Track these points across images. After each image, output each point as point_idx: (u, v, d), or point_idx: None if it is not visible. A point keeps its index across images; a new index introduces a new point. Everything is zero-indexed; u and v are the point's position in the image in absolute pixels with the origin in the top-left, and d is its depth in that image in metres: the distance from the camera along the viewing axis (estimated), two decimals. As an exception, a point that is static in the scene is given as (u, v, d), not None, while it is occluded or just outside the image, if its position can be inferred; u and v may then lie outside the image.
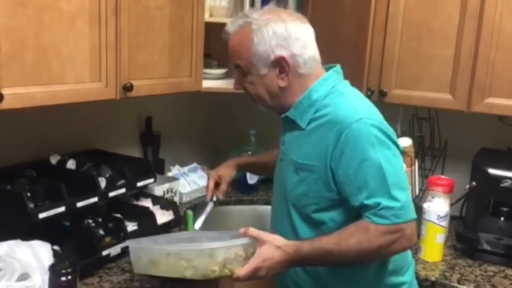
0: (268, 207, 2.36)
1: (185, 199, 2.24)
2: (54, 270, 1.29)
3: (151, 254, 1.27)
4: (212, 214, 2.26)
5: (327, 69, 1.41)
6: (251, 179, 2.43)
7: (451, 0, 1.86)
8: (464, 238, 1.86)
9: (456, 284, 1.65)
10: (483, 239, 1.82)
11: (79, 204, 1.60)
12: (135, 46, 1.68)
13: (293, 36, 1.32)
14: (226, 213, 2.34)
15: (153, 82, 1.79)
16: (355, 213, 1.27)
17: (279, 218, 1.44)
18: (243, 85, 1.41)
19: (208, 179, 1.67)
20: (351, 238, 1.22)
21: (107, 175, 1.79)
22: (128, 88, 1.66)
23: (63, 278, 1.28)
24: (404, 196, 1.23)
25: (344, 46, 2.05)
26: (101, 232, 1.66)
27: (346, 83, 1.41)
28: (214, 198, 1.66)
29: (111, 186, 1.75)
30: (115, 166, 1.85)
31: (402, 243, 1.24)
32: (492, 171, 1.81)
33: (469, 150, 2.03)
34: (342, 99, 1.33)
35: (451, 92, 1.89)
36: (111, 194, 1.73)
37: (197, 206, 2.24)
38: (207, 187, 1.67)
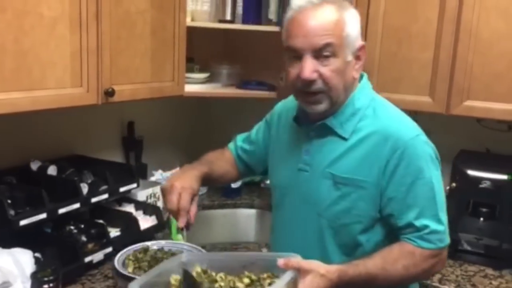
0: (251, 211, 2.41)
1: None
2: (36, 278, 1.27)
3: None
4: (197, 219, 2.26)
5: None
6: (235, 183, 2.43)
7: (430, 4, 1.89)
8: (444, 239, 1.88)
9: (437, 284, 1.67)
10: (463, 239, 1.85)
11: (61, 211, 1.58)
12: (116, 50, 1.68)
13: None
14: (210, 217, 2.34)
15: (135, 87, 1.79)
16: (391, 234, 1.24)
17: (300, 235, 1.33)
18: (319, 74, 1.20)
19: (176, 195, 1.25)
20: (397, 262, 1.18)
21: (89, 181, 1.77)
22: (109, 93, 1.65)
23: (45, 286, 1.27)
24: (446, 220, 1.23)
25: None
26: (84, 238, 1.65)
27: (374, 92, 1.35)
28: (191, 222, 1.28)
29: (93, 192, 1.73)
30: (97, 171, 1.83)
31: (440, 266, 1.24)
32: (471, 172, 1.84)
33: (448, 152, 2.05)
34: (389, 112, 1.28)
35: (431, 95, 1.92)
36: (93, 200, 1.71)
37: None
38: (183, 205, 1.24)
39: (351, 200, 1.24)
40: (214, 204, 2.38)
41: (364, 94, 1.28)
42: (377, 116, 1.25)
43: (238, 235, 2.29)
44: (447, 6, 1.85)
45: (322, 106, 1.24)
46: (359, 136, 1.24)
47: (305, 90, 1.22)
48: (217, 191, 2.45)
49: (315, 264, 1.12)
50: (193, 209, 1.28)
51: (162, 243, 1.80)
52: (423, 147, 1.22)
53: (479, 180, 1.82)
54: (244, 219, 2.39)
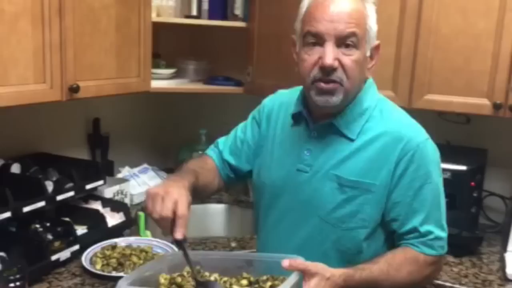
0: (219, 206, 2.42)
1: (136, 201, 2.22)
2: (1, 277, 1.25)
3: None
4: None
5: None
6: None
7: (391, 1, 1.93)
8: (408, 229, 1.94)
9: (401, 273, 1.72)
10: (425, 228, 1.91)
11: (26, 209, 1.56)
12: (80, 46, 1.66)
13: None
14: (178, 213, 2.34)
15: (100, 83, 1.77)
16: (389, 241, 1.23)
17: (297, 239, 1.27)
18: (340, 63, 1.14)
19: (167, 200, 1.05)
20: (402, 268, 1.16)
21: (54, 179, 1.75)
22: (74, 89, 1.63)
23: (12, 285, 1.25)
24: (446, 228, 1.24)
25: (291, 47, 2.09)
26: (50, 236, 1.63)
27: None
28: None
29: (58, 189, 1.71)
30: (62, 169, 1.81)
31: (437, 273, 1.26)
32: (432, 164, 1.90)
33: (411, 144, 2.12)
34: (398, 114, 1.25)
35: (393, 89, 1.97)
36: (59, 197, 1.69)
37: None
38: (169, 210, 1.05)
39: (357, 204, 1.19)
40: (183, 200, 2.38)
41: (371, 95, 1.25)
42: (385, 117, 1.23)
43: (207, 230, 2.29)
44: (408, 3, 1.90)
45: (336, 99, 1.17)
46: (366, 138, 1.21)
47: (323, 78, 1.15)
48: (185, 187, 2.45)
49: (321, 267, 1.09)
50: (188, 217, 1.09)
51: (131, 239, 1.81)
52: (433, 151, 1.21)
53: (440, 171, 1.88)
54: (213, 214, 2.40)
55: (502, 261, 1.80)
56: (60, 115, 2.07)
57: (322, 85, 1.16)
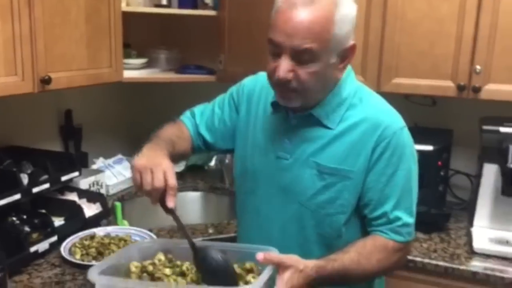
0: (195, 194, 2.44)
1: (112, 191, 2.23)
2: (-19, 270, 1.26)
3: None
4: (139, 205, 2.28)
5: None
6: (178, 167, 2.45)
7: (358, -13, 1.98)
8: (379, 208, 2.01)
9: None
10: (396, 207, 1.98)
11: (1, 202, 1.56)
12: (51, 38, 1.65)
13: (355, 22, 1.18)
14: (154, 202, 2.35)
15: (72, 74, 1.77)
16: (364, 226, 1.26)
17: (278, 223, 1.29)
18: (295, 75, 1.13)
19: (157, 171, 1.08)
20: (372, 256, 1.18)
21: (29, 171, 1.75)
22: (46, 81, 1.62)
23: (-8, 277, 1.26)
24: (415, 214, 1.25)
25: (264, 32, 2.12)
26: (27, 229, 1.63)
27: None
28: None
29: (34, 182, 1.71)
30: (36, 161, 1.80)
31: (404, 259, 1.28)
32: (401, 145, 1.96)
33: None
34: (377, 101, 1.26)
35: (363, 74, 2.02)
36: (35, 190, 1.69)
37: (124, 197, 2.23)
38: (161, 180, 1.07)
39: (336, 191, 1.21)
40: (159, 189, 2.39)
41: (349, 82, 1.25)
42: (365, 105, 1.23)
43: (184, 218, 2.29)
44: (375, -10, 1.95)
45: (295, 103, 1.20)
46: (345, 125, 1.22)
47: (279, 87, 1.18)
48: (160, 176, 2.47)
49: (295, 259, 1.09)
50: (171, 196, 1.11)
51: (109, 229, 1.82)
52: (408, 139, 1.23)
53: (408, 152, 1.95)
54: (189, 202, 2.42)
55: (468, 235, 1.89)
56: (31, 108, 2.05)
57: (279, 92, 1.20)
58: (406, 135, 1.24)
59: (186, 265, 1.16)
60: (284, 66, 1.12)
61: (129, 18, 2.08)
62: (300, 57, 1.11)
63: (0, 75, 1.49)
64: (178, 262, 1.17)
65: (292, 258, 1.09)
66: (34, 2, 1.55)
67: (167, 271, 1.14)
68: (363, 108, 1.23)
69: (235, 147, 1.41)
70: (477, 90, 1.85)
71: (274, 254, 1.08)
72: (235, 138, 1.40)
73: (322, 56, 1.12)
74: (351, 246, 1.19)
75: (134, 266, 1.14)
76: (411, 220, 1.23)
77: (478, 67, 1.84)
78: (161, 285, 1.10)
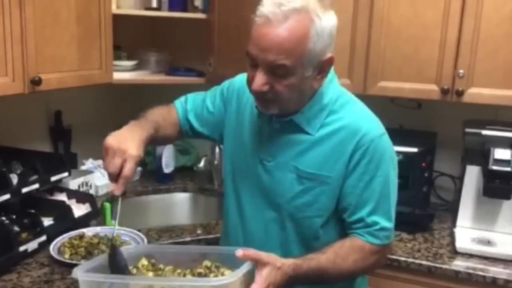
0: (184, 195, 2.47)
1: (101, 192, 2.24)
2: (-29, 268, 1.27)
3: None
4: (130, 205, 2.30)
5: None
6: (167, 168, 2.47)
7: (345, -8, 2.02)
8: (365, 209, 2.05)
9: (359, 250, 1.83)
10: (381, 208, 2.02)
11: (-9, 202, 1.57)
12: (42, 39, 1.66)
13: (335, 30, 1.18)
14: (144, 203, 2.37)
15: (62, 75, 1.78)
16: (343, 229, 1.28)
17: (260, 224, 1.33)
18: (271, 86, 1.16)
19: (117, 156, 1.15)
20: (348, 257, 1.21)
21: (18, 171, 1.76)
22: (36, 82, 1.64)
23: (-19, 275, 1.27)
24: (394, 219, 1.28)
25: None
26: (16, 228, 1.64)
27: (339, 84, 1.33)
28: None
29: (23, 182, 1.72)
30: (26, 162, 1.81)
31: (382, 261, 1.31)
32: (386, 147, 2.01)
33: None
34: (357, 107, 1.28)
35: (349, 77, 2.06)
36: (24, 190, 1.70)
37: (114, 198, 2.24)
38: (117, 167, 1.14)
39: (314, 195, 1.25)
40: (148, 190, 2.41)
41: (331, 89, 1.26)
42: (345, 111, 1.25)
43: (173, 219, 2.34)
44: (361, -6, 1.99)
45: (270, 111, 1.23)
46: (325, 131, 1.24)
47: (255, 96, 1.22)
48: (150, 177, 2.49)
49: (273, 257, 1.13)
50: (132, 177, 1.17)
51: (98, 229, 1.83)
52: (387, 146, 1.25)
53: (393, 153, 1.99)
54: (178, 203, 2.44)
55: (451, 236, 1.93)
56: (21, 109, 2.06)
57: (256, 100, 1.23)
58: (385, 142, 1.25)
59: (168, 268, 1.19)
60: (259, 79, 1.15)
61: (120, 20, 2.10)
62: (275, 71, 1.13)
63: (-10, 76, 1.50)
64: (161, 266, 1.20)
65: (270, 256, 1.12)
66: (25, 2, 1.57)
67: (150, 274, 1.17)
68: (343, 114, 1.25)
69: (224, 144, 1.44)
70: (460, 93, 1.90)
71: (253, 251, 1.11)
72: (223, 133, 1.43)
73: (297, 70, 1.14)
74: (329, 246, 1.23)
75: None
76: (388, 224, 1.26)
77: (461, 71, 1.89)
78: (138, 278, 1.14)
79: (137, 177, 2.45)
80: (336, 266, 1.20)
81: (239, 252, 1.10)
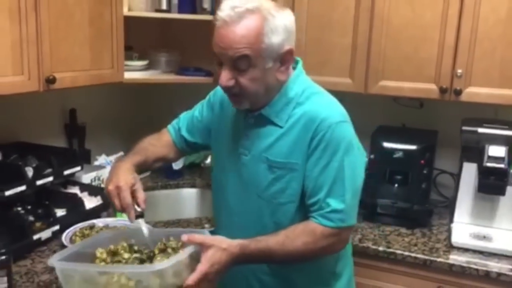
0: (192, 190, 2.55)
1: (112, 186, 2.33)
2: (-12, 252, 1.37)
3: (89, 275, 1.20)
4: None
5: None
6: (176, 165, 2.56)
7: (347, -6, 2.09)
8: (364, 205, 2.10)
9: (357, 243, 1.89)
10: (380, 204, 2.08)
11: (8, 193, 1.67)
12: (56, 40, 1.76)
13: (294, 28, 1.30)
14: (154, 198, 2.46)
15: (75, 74, 1.88)
16: None
17: (242, 214, 1.41)
18: (236, 81, 1.27)
19: (121, 193, 1.30)
20: (298, 239, 1.26)
21: (34, 165, 1.85)
22: (51, 80, 1.73)
23: (-3, 259, 1.37)
24: (353, 203, 1.31)
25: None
26: (31, 218, 1.74)
27: (308, 77, 1.42)
28: (139, 209, 1.33)
29: (38, 175, 1.82)
30: (41, 156, 1.91)
31: (339, 245, 1.33)
32: (386, 144, 2.07)
33: (370, 128, 2.28)
34: (319, 98, 1.35)
35: (351, 76, 2.13)
36: (39, 182, 1.80)
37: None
38: (122, 205, 1.31)
39: (285, 182, 1.32)
40: (158, 185, 2.51)
41: (298, 83, 1.35)
42: (309, 102, 1.33)
43: (181, 213, 2.42)
44: (362, -4, 2.06)
45: (244, 105, 1.33)
46: (292, 122, 1.32)
47: (225, 92, 1.33)
48: (160, 173, 2.58)
49: (218, 240, 1.22)
50: (140, 196, 1.33)
51: (108, 220, 1.93)
52: (342, 133, 1.29)
53: (393, 151, 2.05)
54: (187, 198, 2.53)
55: (449, 231, 1.98)
56: (38, 106, 2.17)
57: (228, 97, 1.35)
58: (342, 129, 1.30)
59: (146, 251, 1.30)
60: (224, 75, 1.27)
61: (132, 22, 2.19)
62: (238, 65, 1.25)
63: (8, 75, 1.60)
64: (136, 247, 1.31)
65: (216, 239, 1.23)
66: (41, 6, 1.67)
67: (126, 255, 1.27)
68: (307, 105, 1.33)
69: (211, 144, 1.54)
70: (458, 92, 1.95)
71: (197, 235, 1.22)
72: (210, 135, 1.54)
73: (257, 62, 1.24)
74: (283, 229, 1.29)
75: (99, 252, 1.27)
76: (341, 206, 1.28)
77: (459, 70, 1.94)
78: (89, 265, 1.24)
79: (148, 173, 2.55)
80: (285, 248, 1.25)
81: (184, 237, 1.21)
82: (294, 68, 1.38)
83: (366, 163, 2.12)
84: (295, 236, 1.27)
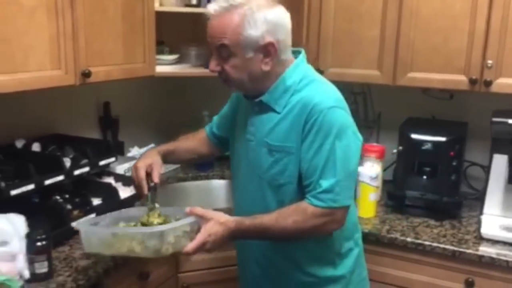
0: (221, 181, 2.60)
1: (144, 177, 2.40)
2: (30, 237, 1.44)
3: (103, 236, 1.41)
4: (171, 190, 2.46)
5: (293, 53, 1.47)
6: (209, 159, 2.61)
7: (375, -14, 2.09)
8: (393, 196, 2.12)
9: (385, 234, 1.91)
10: (408, 195, 2.08)
11: (47, 182, 1.75)
12: (91, 35, 1.83)
13: (280, 23, 1.39)
14: (183, 189, 2.53)
15: (109, 68, 1.94)
16: None
17: (251, 196, 1.52)
18: (222, 67, 1.41)
19: (137, 171, 1.56)
20: (289, 217, 1.36)
21: (71, 156, 1.93)
22: (86, 74, 1.80)
23: (39, 244, 1.44)
24: (346, 184, 1.37)
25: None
26: (69, 206, 1.82)
27: (311, 67, 1.51)
28: (152, 183, 1.57)
29: (75, 165, 1.89)
30: (77, 147, 1.99)
31: (332, 225, 1.39)
32: (414, 136, 2.07)
33: (399, 120, 2.28)
34: (316, 86, 1.43)
35: (379, 68, 2.13)
36: (76, 172, 1.88)
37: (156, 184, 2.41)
38: (137, 179, 1.56)
39: (283, 164, 1.42)
40: (188, 177, 2.57)
41: (296, 72, 1.44)
42: (305, 89, 1.41)
43: (211, 203, 2.48)
44: (390, -12, 2.05)
45: (233, 89, 1.50)
46: (289, 108, 1.41)
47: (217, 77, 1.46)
48: (191, 165, 2.64)
49: (217, 214, 1.37)
50: (155, 172, 1.56)
51: (141, 209, 1.99)
52: (335, 117, 1.36)
53: (422, 142, 2.05)
54: (216, 189, 2.59)
55: (479, 223, 1.97)
56: (74, 100, 2.25)
57: (222, 82, 1.47)
58: (335, 114, 1.36)
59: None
60: (212, 61, 1.43)
61: (163, 17, 2.25)
62: (221, 53, 1.39)
63: (46, 69, 1.67)
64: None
65: (216, 213, 1.37)
66: (76, 2, 1.73)
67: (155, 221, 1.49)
68: (303, 92, 1.41)
69: (229, 133, 1.66)
70: (488, 84, 1.93)
71: (199, 208, 1.38)
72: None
73: (237, 51, 1.36)
74: (279, 209, 1.40)
75: (122, 225, 1.50)
76: (332, 187, 1.34)
77: (489, 61, 1.92)
78: (107, 228, 1.47)
79: (179, 165, 2.61)
80: (277, 224, 1.36)
81: (187, 209, 1.38)
82: (296, 58, 1.47)
83: (393, 153, 2.15)
84: (287, 215, 1.36)
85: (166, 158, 1.68)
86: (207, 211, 1.38)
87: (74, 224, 1.52)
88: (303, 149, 1.38)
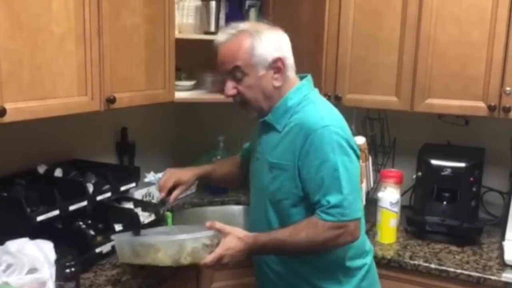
0: (239, 207, 2.60)
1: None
2: (59, 264, 1.44)
3: (132, 246, 1.54)
4: (187, 215, 2.46)
5: (300, 78, 1.58)
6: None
7: (393, 14, 2.13)
8: (413, 222, 2.12)
9: (408, 260, 1.90)
10: (429, 221, 2.08)
11: (71, 208, 1.75)
12: (116, 62, 1.85)
13: (283, 41, 1.52)
14: (201, 214, 2.53)
15: (133, 95, 1.96)
16: (312, 210, 1.45)
17: (257, 211, 1.62)
18: (237, 91, 1.50)
19: (167, 178, 1.70)
20: (302, 231, 1.41)
21: (93, 181, 1.94)
22: (111, 100, 1.82)
23: (68, 270, 1.43)
24: (352, 198, 1.41)
25: (303, 56, 2.23)
26: (92, 232, 1.81)
27: (317, 91, 1.59)
28: (169, 202, 1.71)
29: (98, 190, 1.90)
30: (98, 173, 2.00)
31: (346, 237, 1.42)
32: (434, 162, 2.08)
33: (414, 145, 2.30)
34: (312, 107, 1.50)
35: (397, 94, 2.16)
36: (99, 198, 1.88)
37: (173, 208, 2.41)
38: (163, 184, 1.70)
39: (280, 181, 1.50)
40: (204, 202, 2.57)
41: (298, 94, 1.53)
42: (303, 111, 1.49)
43: (227, 229, 2.47)
44: (408, 15, 2.09)
45: (251, 113, 1.55)
46: (287, 128, 1.50)
47: (234, 103, 1.55)
48: (205, 190, 2.64)
49: (236, 230, 1.44)
50: (175, 193, 1.68)
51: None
52: (330, 135, 1.42)
53: (441, 168, 2.06)
54: (232, 215, 2.58)
55: (500, 249, 1.97)
56: (92, 125, 2.27)
57: (238, 107, 1.56)
58: (328, 132, 1.42)
59: None
60: (228, 86, 1.52)
61: (179, 43, 2.27)
62: (235, 75, 1.49)
63: (73, 95, 1.69)
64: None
65: (234, 229, 1.44)
66: (103, 31, 1.76)
67: None
68: (301, 113, 1.50)
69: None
70: (507, 110, 1.95)
71: (219, 223, 1.44)
72: None
73: (250, 71, 1.47)
74: (293, 224, 1.46)
75: None
76: (340, 201, 1.39)
77: (508, 88, 1.95)
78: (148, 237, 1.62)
79: (194, 190, 2.61)
80: (291, 239, 1.42)
81: (208, 223, 1.44)
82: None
83: (413, 179, 2.16)
84: (300, 229, 1.42)
85: (204, 179, 1.83)
86: (226, 226, 1.44)
87: (112, 237, 1.70)
88: (304, 169, 1.44)
